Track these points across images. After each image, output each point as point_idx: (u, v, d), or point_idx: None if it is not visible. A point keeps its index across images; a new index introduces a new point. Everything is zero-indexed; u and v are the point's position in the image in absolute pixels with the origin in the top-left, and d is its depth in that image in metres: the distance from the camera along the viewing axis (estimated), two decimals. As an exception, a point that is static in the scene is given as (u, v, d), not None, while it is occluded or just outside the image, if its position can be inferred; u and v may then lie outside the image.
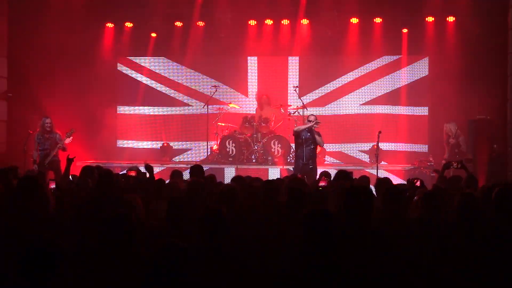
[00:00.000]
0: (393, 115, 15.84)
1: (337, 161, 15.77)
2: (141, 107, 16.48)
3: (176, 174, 8.30)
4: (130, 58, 16.45)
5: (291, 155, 14.06)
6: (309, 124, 11.09)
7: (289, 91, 15.92)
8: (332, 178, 7.92)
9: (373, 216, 4.53)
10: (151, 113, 16.46)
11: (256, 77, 16.32)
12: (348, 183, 6.88)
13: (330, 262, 3.84)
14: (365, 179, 8.25)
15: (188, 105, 16.47)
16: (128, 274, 3.86)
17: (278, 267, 3.95)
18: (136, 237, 4.15)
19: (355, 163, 15.26)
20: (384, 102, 15.87)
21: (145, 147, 16.37)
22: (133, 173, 8.09)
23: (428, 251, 4.31)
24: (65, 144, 11.72)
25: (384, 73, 15.86)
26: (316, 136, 11.18)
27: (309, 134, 11.10)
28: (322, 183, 7.46)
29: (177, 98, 16.45)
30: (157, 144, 16.25)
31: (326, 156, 15.50)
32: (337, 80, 16.08)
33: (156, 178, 7.65)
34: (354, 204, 4.40)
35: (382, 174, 12.91)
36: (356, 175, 9.44)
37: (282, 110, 15.11)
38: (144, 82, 16.47)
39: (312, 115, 11.54)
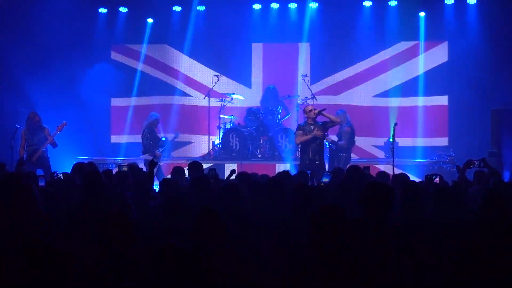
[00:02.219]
0: (410, 107, 15.80)
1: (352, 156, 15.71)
2: (137, 98, 16.52)
3: (177, 171, 8.32)
4: (126, 45, 16.48)
5: (299, 150, 14.04)
6: (309, 136, 10.86)
7: (297, 81, 15.89)
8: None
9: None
10: (148, 104, 16.49)
11: (261, 66, 16.29)
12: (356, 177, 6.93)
13: (342, 264, 3.90)
14: (384, 176, 8.30)
15: (188, 95, 16.51)
16: (126, 275, 3.95)
17: (284, 270, 4.01)
18: (133, 238, 4.23)
19: (369, 158, 15.26)
20: (400, 93, 15.84)
21: (140, 141, 16.30)
22: (126, 168, 8.14)
23: (448, 251, 4.37)
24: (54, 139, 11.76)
25: (400, 60, 15.83)
26: (328, 116, 10.92)
27: (312, 127, 11.02)
28: (325, 179, 7.52)
29: (176, 87, 16.48)
30: None
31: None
32: (349, 68, 16.06)
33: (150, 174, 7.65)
34: (373, 201, 4.53)
35: (398, 170, 12.77)
36: (371, 171, 9.42)
37: (290, 100, 15.09)
38: (141, 69, 16.51)
39: (308, 104, 11.39)
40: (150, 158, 11.56)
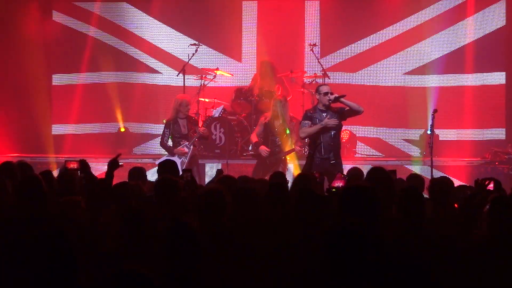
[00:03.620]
0: (454, 88, 15.82)
1: (374, 153, 15.84)
2: (88, 74, 16.48)
3: (136, 173, 8.42)
4: (73, 3, 16.49)
5: (306, 146, 14.02)
6: (318, 126, 10.85)
7: (304, 52, 15.81)
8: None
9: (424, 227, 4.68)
10: (102, 82, 16.44)
11: (255, 31, 16.29)
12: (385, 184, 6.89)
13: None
14: (417, 179, 8.33)
15: (156, 71, 16.51)
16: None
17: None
18: (79, 262, 4.21)
19: (399, 157, 15.25)
20: (441, 69, 15.84)
21: (92, 131, 16.43)
22: (74, 165, 8.04)
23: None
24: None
25: (441, 25, 15.84)
26: (347, 103, 10.89)
27: (324, 114, 10.99)
28: (337, 183, 7.54)
29: (140, 60, 16.50)
30: (109, 128, 16.34)
31: (358, 143, 15.47)
32: (372, 36, 16.10)
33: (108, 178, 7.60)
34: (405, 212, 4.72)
35: (438, 172, 12.85)
36: (401, 174, 9.42)
37: (293, 79, 15.04)
38: (92, 35, 16.47)
39: (324, 85, 11.42)
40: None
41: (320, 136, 10.86)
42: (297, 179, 7.93)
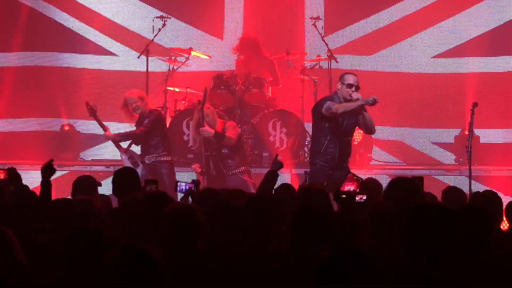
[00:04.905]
0: (499, 75, 15.93)
1: (394, 160, 15.94)
2: (20, 54, 16.48)
3: (83, 184, 8.55)
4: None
5: (306, 149, 14.10)
6: (360, 102, 10.98)
7: (304, 28, 15.93)
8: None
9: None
10: (39, 65, 16.46)
11: (242, 1, 16.39)
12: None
13: None
14: (457, 195, 8.42)
15: (110, 52, 16.55)
16: None
17: None
18: None
19: (427, 165, 15.33)
20: (483, 50, 15.94)
21: (26, 129, 16.43)
22: (0, 175, 8.19)
23: None
24: None
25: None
26: (365, 115, 11.28)
27: (352, 116, 11.34)
28: (348, 185, 7.67)
29: (89, 39, 16.54)
30: (51, 126, 16.34)
31: (374, 147, 15.54)
32: (391, 8, 16.24)
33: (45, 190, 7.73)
34: (424, 237, 4.93)
35: (479, 185, 13.00)
36: (431, 187, 9.40)
37: (289, 62, 14.98)
38: (27, 4, 16.43)
39: (352, 74, 11.50)
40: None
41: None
42: (301, 193, 8.03)
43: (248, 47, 15.29)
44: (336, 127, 11.18)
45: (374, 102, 10.90)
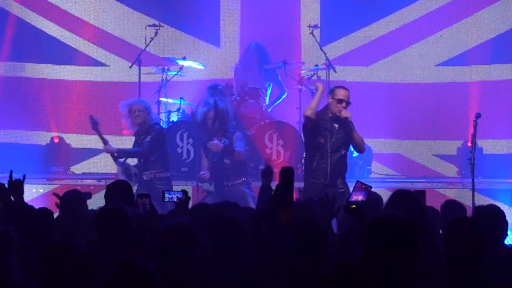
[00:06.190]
0: (505, 83, 15.95)
1: (394, 174, 15.98)
2: (7, 64, 16.42)
3: (70, 199, 8.43)
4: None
5: (303, 162, 13.76)
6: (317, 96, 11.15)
7: (300, 36, 15.96)
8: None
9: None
10: (27, 75, 16.41)
11: (239, 8, 16.47)
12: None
13: None
14: (456, 209, 8.44)
15: (100, 63, 16.52)
16: None
17: None
18: None
19: (429, 178, 15.37)
20: (488, 58, 15.98)
21: (12, 141, 16.38)
22: None
23: None
24: None
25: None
26: (354, 134, 11.43)
27: (336, 126, 11.37)
28: (357, 195, 7.65)
29: (78, 49, 16.54)
30: (41, 139, 16.31)
31: (374, 160, 15.50)
32: (392, 15, 16.32)
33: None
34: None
35: (483, 198, 13.10)
36: (433, 201, 9.50)
37: (286, 72, 15.00)
38: (16, 14, 16.46)
39: (343, 88, 11.50)
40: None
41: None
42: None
43: (248, 57, 15.41)
44: (325, 142, 11.23)
45: (345, 104, 11.14)
